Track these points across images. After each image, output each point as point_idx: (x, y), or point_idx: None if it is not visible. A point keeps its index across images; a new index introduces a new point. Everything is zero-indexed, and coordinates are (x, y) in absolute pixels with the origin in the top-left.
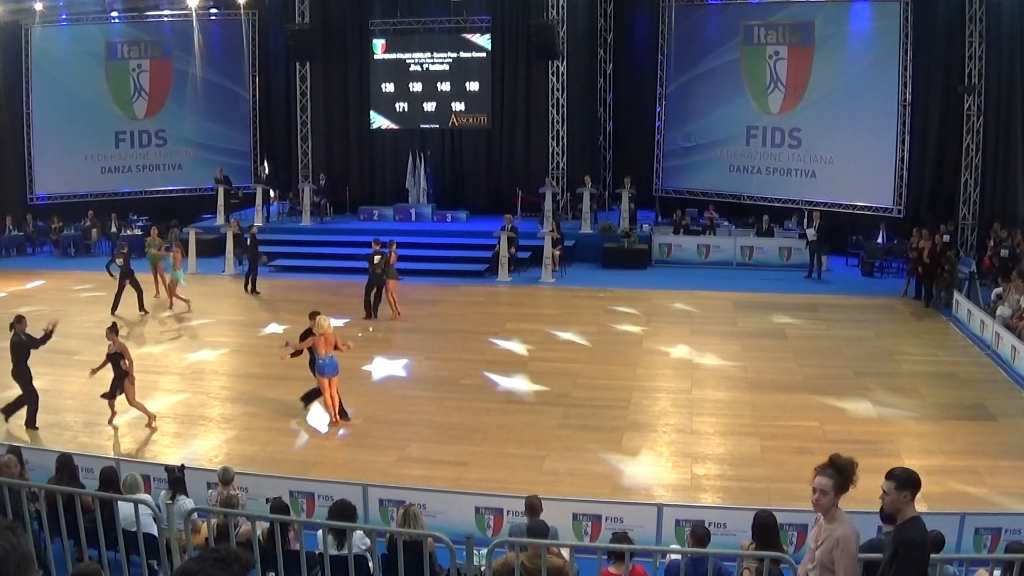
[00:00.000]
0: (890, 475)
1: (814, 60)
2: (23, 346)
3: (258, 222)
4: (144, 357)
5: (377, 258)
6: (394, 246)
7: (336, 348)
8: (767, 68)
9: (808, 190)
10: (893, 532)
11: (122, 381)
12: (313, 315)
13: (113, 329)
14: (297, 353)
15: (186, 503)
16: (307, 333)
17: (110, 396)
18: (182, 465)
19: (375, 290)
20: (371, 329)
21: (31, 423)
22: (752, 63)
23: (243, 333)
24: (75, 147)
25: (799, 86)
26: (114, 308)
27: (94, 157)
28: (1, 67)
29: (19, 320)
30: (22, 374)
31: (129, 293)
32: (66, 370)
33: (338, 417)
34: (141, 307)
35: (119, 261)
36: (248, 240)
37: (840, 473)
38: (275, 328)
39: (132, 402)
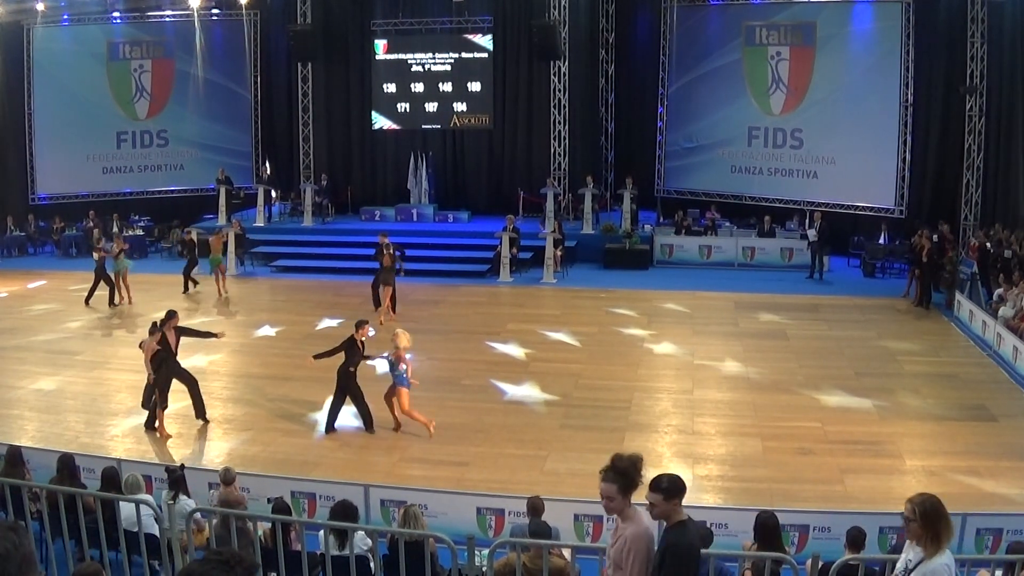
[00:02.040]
0: (656, 487)
1: (816, 61)
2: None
3: (259, 222)
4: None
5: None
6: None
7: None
8: (769, 69)
9: (810, 191)
10: (662, 537)
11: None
12: (361, 324)
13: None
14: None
15: (187, 503)
16: (350, 341)
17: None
18: (182, 464)
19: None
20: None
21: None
22: (754, 64)
23: (244, 333)
24: (77, 147)
25: (801, 87)
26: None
27: (96, 157)
28: (3, 67)
29: (171, 316)
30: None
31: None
32: (68, 370)
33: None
34: (111, 302)
35: (95, 256)
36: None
37: (622, 476)
38: (268, 331)
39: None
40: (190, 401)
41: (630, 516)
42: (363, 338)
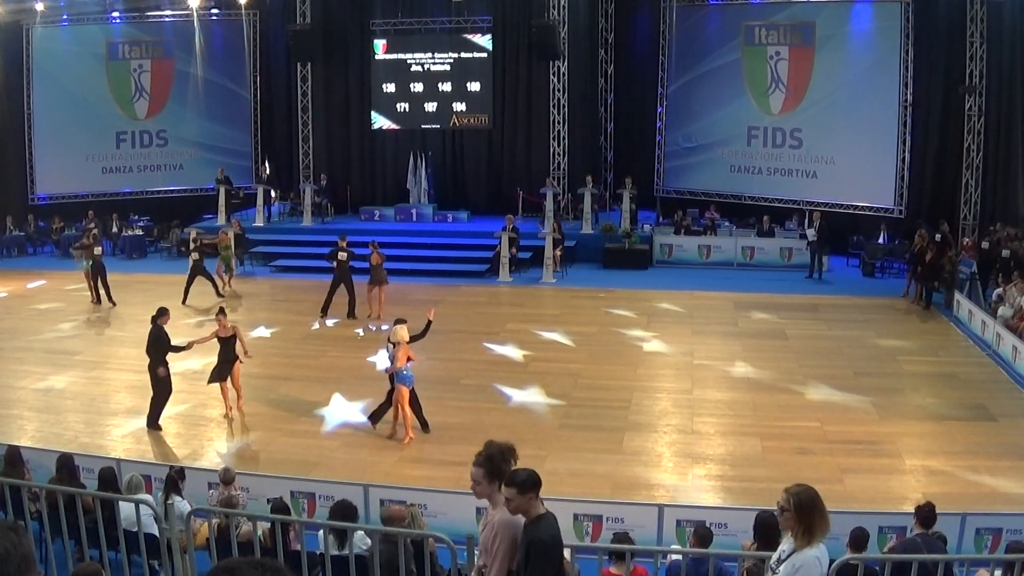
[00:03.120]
0: (511, 481)
1: (815, 61)
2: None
3: (259, 222)
4: (144, 357)
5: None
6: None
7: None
8: (768, 68)
9: (809, 190)
10: (523, 532)
11: (233, 363)
12: (399, 322)
13: (222, 312)
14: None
15: (181, 505)
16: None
17: (218, 379)
18: (180, 467)
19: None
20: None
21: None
22: (753, 63)
23: (245, 333)
24: (76, 147)
25: (800, 87)
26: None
27: (95, 157)
28: (2, 67)
29: (161, 313)
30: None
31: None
32: (67, 370)
33: (417, 430)
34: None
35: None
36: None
37: (490, 461)
38: (267, 331)
39: (237, 383)
40: (189, 401)
41: (499, 503)
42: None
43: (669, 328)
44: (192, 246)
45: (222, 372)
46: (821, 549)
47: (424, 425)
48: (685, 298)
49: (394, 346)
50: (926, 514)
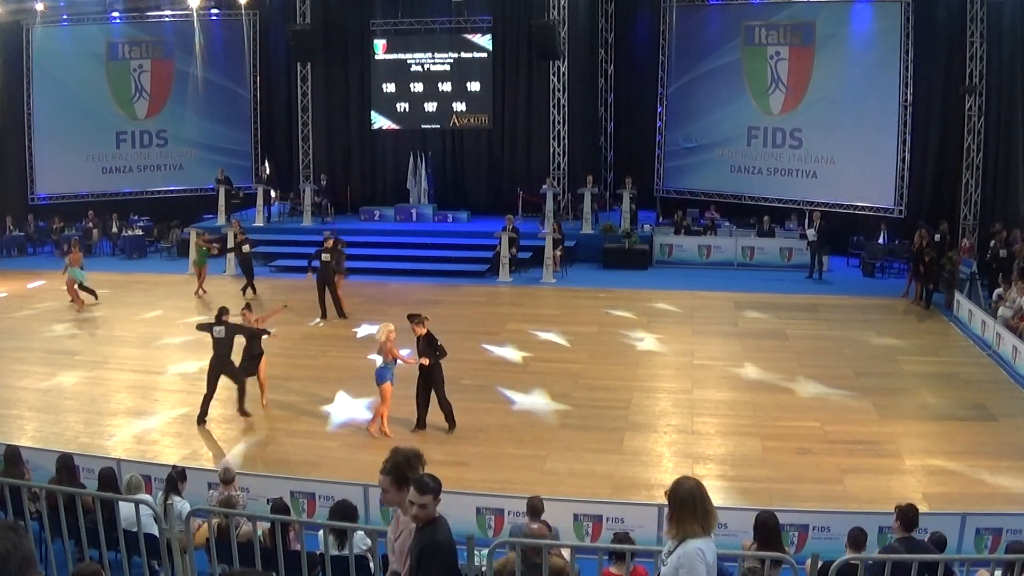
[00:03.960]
0: (424, 488)
1: (815, 60)
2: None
3: (259, 222)
4: (145, 357)
5: (326, 256)
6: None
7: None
8: (768, 68)
9: (809, 190)
10: (417, 535)
11: (259, 359)
12: (420, 320)
13: (248, 308)
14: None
15: (181, 505)
16: (431, 338)
17: (246, 375)
18: (182, 468)
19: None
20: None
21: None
22: (753, 63)
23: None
24: (76, 147)
25: (800, 86)
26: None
27: (95, 157)
28: (2, 67)
29: (224, 312)
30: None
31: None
32: (67, 370)
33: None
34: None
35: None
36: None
37: (397, 468)
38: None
39: (263, 376)
40: (189, 401)
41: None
42: (422, 332)
43: (669, 328)
44: (233, 243)
45: (249, 368)
46: (706, 541)
47: (421, 421)
48: (685, 298)
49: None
50: (909, 515)
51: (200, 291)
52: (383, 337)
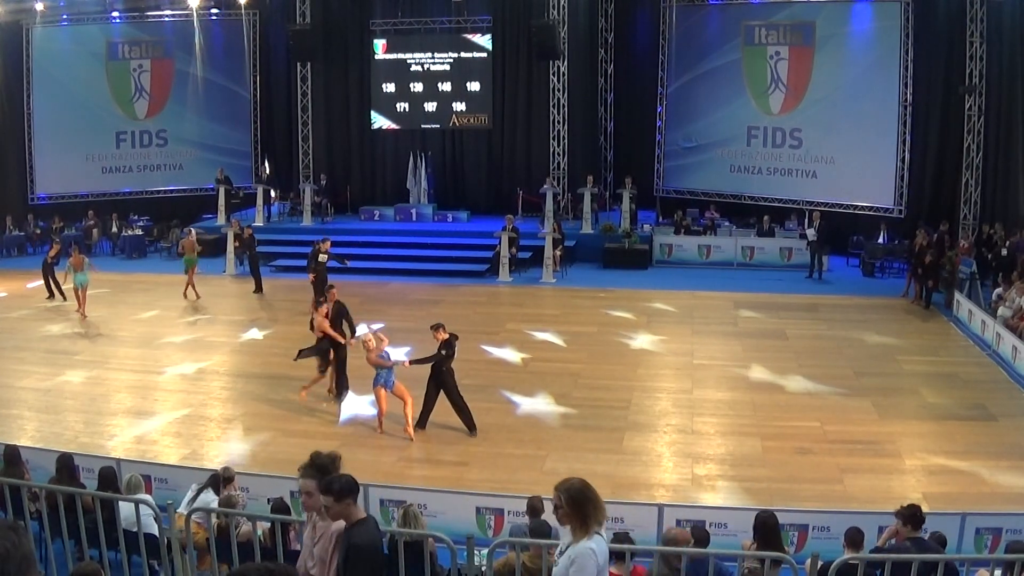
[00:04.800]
0: (327, 490)
1: (815, 60)
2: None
3: (259, 222)
4: (145, 357)
5: (323, 256)
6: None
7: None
8: (768, 68)
9: (809, 190)
10: (343, 537)
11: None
12: (439, 327)
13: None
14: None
15: (209, 499)
16: (446, 343)
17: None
18: (227, 468)
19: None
20: None
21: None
22: (753, 63)
23: (244, 333)
24: (76, 147)
25: (800, 86)
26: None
27: (95, 157)
28: (2, 67)
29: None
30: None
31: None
32: (67, 370)
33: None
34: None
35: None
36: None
37: (321, 472)
38: (267, 331)
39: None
40: (189, 401)
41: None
42: (443, 338)
43: (669, 328)
44: (236, 243)
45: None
46: (597, 540)
47: (423, 423)
48: (685, 298)
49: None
50: (915, 515)
51: (191, 293)
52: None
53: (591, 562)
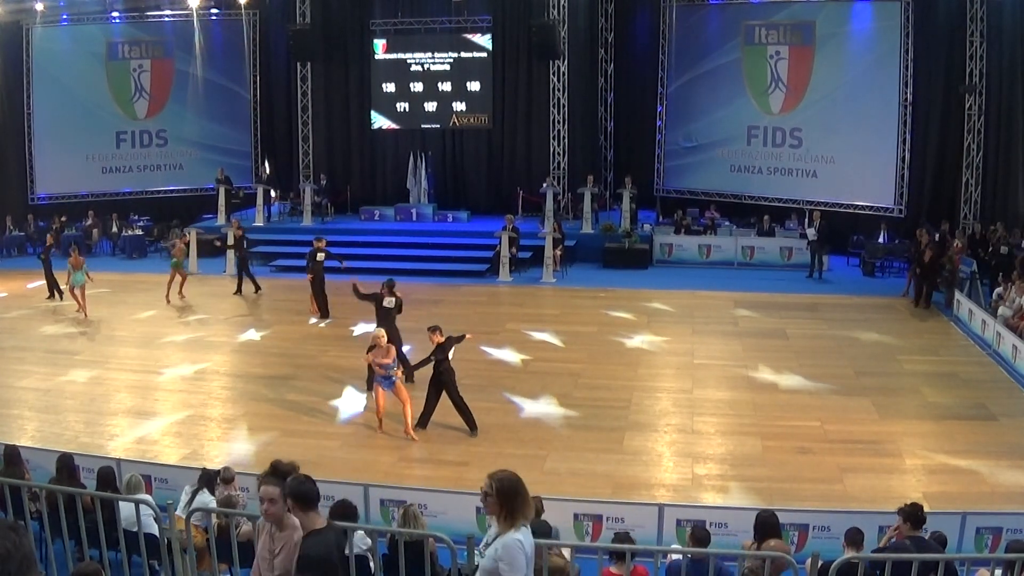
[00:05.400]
0: (297, 495)
1: (815, 60)
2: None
3: (259, 222)
4: (145, 357)
5: (321, 255)
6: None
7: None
8: (768, 68)
9: (809, 190)
10: (299, 545)
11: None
12: (436, 329)
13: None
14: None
15: (207, 500)
16: (444, 345)
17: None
18: (219, 471)
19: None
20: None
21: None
22: (753, 63)
23: (244, 333)
24: (76, 147)
25: (800, 86)
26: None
27: (95, 157)
28: (2, 67)
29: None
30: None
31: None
32: (67, 370)
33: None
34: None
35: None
36: (231, 241)
37: (284, 479)
38: (267, 331)
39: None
40: (189, 401)
41: (288, 524)
42: (440, 340)
43: (669, 328)
44: (232, 242)
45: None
46: (524, 532)
47: (424, 422)
48: (685, 298)
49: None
50: (915, 514)
51: (180, 295)
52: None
53: (520, 554)
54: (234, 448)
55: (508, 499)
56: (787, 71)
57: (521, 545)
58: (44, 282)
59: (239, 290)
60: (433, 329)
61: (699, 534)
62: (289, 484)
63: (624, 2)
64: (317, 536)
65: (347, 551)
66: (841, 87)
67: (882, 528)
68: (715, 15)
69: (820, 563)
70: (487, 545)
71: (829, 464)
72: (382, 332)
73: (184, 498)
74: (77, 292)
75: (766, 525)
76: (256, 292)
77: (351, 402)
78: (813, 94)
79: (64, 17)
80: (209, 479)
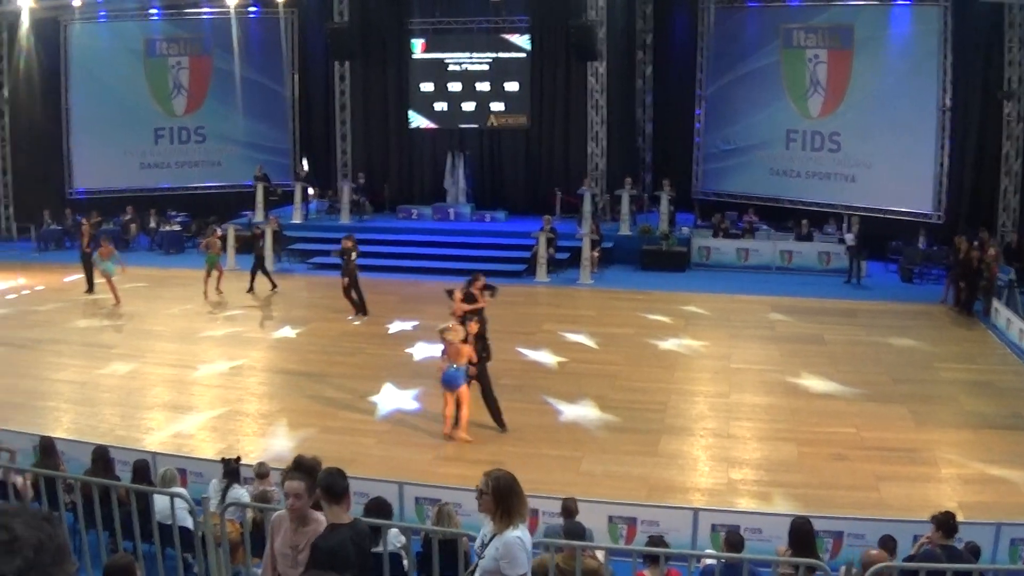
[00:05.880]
0: (329, 490)
1: (853, 64)
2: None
3: (296, 219)
4: (182, 352)
5: (355, 254)
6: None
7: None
8: (807, 71)
9: (847, 194)
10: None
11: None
12: (475, 318)
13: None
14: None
15: (241, 494)
16: (480, 336)
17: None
18: (238, 457)
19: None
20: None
21: None
22: (792, 66)
23: (280, 330)
24: (114, 142)
25: (839, 90)
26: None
27: (133, 153)
28: (40, 63)
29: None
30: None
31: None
32: (103, 363)
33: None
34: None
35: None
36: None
37: (310, 475)
38: (304, 327)
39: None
40: (226, 396)
41: (314, 519)
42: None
43: (706, 331)
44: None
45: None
46: (522, 530)
47: (501, 423)
48: (722, 301)
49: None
50: (948, 523)
51: (217, 290)
52: (455, 338)
53: (520, 551)
54: (271, 444)
55: (504, 498)
56: (826, 75)
57: (521, 542)
58: (83, 275)
59: (251, 288)
60: (471, 316)
61: (733, 539)
62: (320, 475)
63: (663, 3)
64: (335, 530)
65: (372, 547)
66: (879, 91)
67: (916, 537)
68: (753, 17)
69: (854, 571)
70: (483, 545)
71: (865, 471)
72: (458, 328)
73: (213, 492)
74: (109, 280)
75: (800, 532)
76: (272, 290)
77: (388, 399)
78: (852, 98)
79: (102, 14)
80: (233, 471)
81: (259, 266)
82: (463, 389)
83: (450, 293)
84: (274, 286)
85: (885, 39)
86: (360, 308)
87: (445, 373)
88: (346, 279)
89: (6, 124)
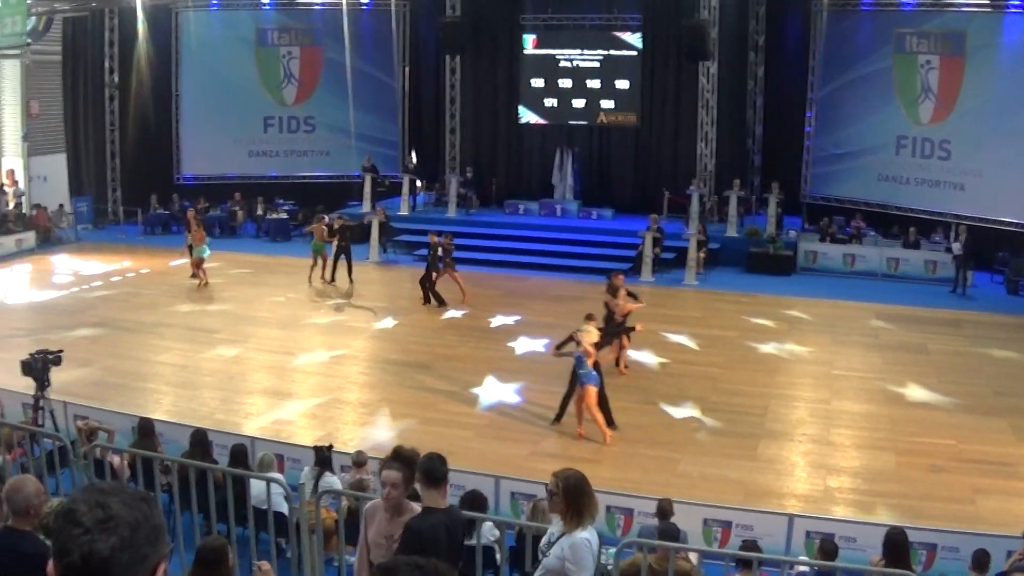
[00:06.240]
0: (430, 476)
1: (965, 71)
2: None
3: (404, 211)
4: (284, 339)
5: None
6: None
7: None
8: (919, 77)
9: (956, 203)
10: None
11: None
12: (589, 319)
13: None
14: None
15: (332, 481)
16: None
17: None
18: (330, 445)
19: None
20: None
21: None
22: (903, 71)
23: (382, 320)
24: (224, 130)
25: (950, 97)
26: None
27: (242, 140)
28: (152, 50)
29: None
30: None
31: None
32: (206, 347)
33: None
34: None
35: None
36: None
37: (408, 466)
38: (407, 318)
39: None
40: (327, 384)
41: (409, 509)
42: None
43: (809, 336)
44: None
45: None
46: (591, 532)
47: (610, 422)
48: (827, 307)
49: (578, 344)
50: None
51: (322, 279)
52: (589, 340)
53: (587, 553)
54: (369, 433)
55: (574, 498)
56: (937, 81)
57: (589, 544)
58: (188, 260)
59: (332, 278)
60: (591, 318)
61: (827, 547)
62: (421, 460)
63: (775, 5)
64: (428, 513)
65: (465, 538)
66: (991, 100)
67: (1010, 552)
68: (866, 21)
69: None
70: (549, 544)
71: (962, 484)
72: (592, 331)
73: (306, 480)
74: (200, 264)
75: (895, 543)
76: (331, 282)
77: (489, 392)
78: (963, 106)
79: (214, 3)
80: (325, 459)
81: (346, 255)
82: (592, 390)
83: (613, 291)
84: (332, 279)
85: (997, 47)
86: (426, 299)
87: (589, 375)
88: (434, 273)
89: (116, 109)
